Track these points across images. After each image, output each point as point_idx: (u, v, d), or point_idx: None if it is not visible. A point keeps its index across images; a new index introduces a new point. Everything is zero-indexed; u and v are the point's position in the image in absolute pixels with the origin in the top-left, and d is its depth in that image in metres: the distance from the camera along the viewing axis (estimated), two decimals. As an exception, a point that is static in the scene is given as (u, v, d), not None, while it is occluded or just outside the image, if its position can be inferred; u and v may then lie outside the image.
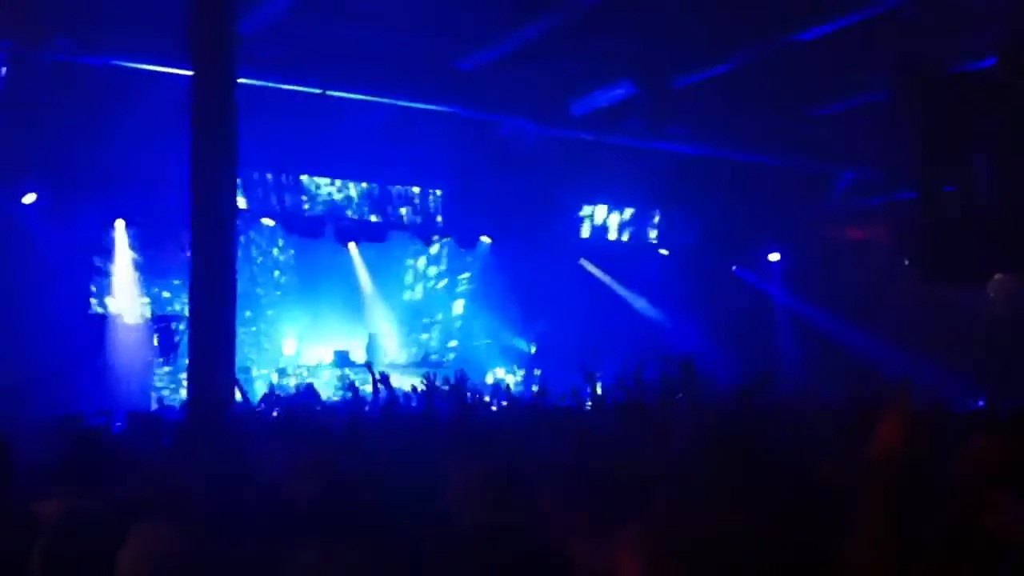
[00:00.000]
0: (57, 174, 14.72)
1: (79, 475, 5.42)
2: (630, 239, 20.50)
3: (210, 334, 8.12)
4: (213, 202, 8.13)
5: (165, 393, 15.74)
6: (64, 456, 5.65)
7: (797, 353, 19.07)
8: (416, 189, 18.22)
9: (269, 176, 16.96)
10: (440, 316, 20.52)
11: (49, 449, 6.28)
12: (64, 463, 5.59)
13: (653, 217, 20.62)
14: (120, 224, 16.46)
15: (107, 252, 16.54)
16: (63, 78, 13.15)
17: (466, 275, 20.39)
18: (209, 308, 8.16)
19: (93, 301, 16.45)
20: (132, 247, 16.55)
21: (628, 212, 20.41)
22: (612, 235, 20.35)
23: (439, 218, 18.56)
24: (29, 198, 14.85)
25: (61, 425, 7.01)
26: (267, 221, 17.27)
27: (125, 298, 16.55)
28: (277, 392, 12.42)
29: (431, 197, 18.44)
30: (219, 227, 8.16)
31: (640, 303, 20.72)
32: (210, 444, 7.24)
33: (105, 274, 16.57)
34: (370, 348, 18.52)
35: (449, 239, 18.98)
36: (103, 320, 16.31)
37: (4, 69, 12.73)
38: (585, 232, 20.17)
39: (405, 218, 18.30)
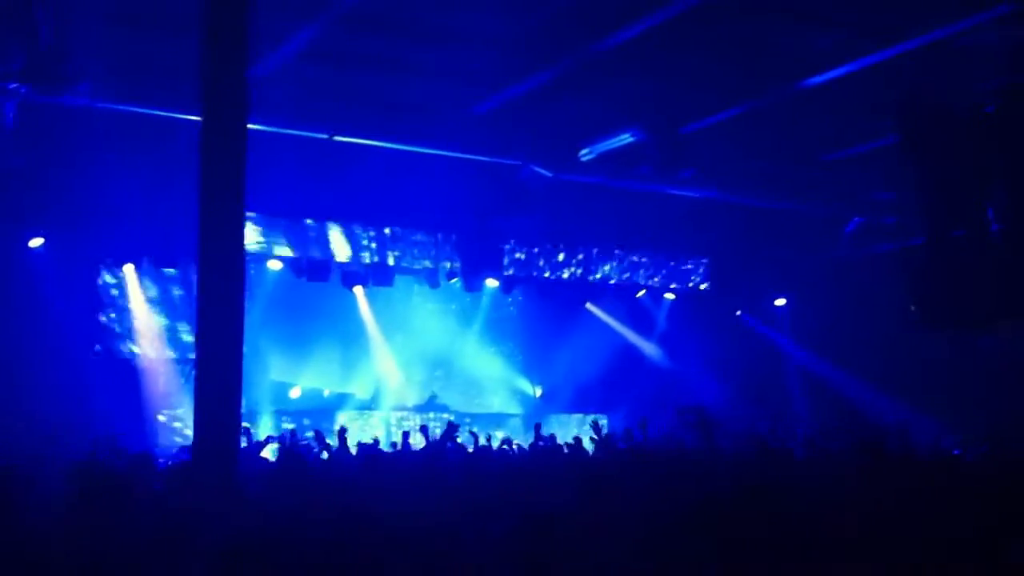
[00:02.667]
0: (65, 216, 14.77)
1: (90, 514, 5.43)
2: (637, 283, 20.47)
3: (217, 376, 8.09)
4: (220, 244, 8.13)
5: (188, 432, 15.72)
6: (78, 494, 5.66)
7: (802, 399, 19.04)
8: (418, 236, 18.23)
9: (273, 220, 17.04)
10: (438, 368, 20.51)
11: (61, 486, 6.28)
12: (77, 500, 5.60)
13: (663, 261, 20.61)
14: (129, 268, 16.55)
15: (120, 294, 16.64)
16: (71, 121, 13.23)
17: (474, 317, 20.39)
18: (216, 350, 8.13)
19: (117, 342, 16.52)
20: (151, 288, 16.65)
21: (636, 256, 20.40)
22: (616, 279, 20.32)
23: (447, 264, 18.55)
24: (35, 242, 14.91)
25: (76, 465, 6.98)
26: (274, 264, 17.27)
27: (142, 339, 16.62)
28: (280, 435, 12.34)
29: (437, 240, 18.44)
30: (227, 269, 8.16)
31: (649, 348, 20.69)
32: (215, 488, 7.23)
33: (119, 316, 16.62)
34: (376, 393, 18.58)
35: (457, 281, 18.95)
36: (115, 361, 16.33)
37: (11, 112, 12.78)
38: (595, 275, 20.13)
39: (413, 262, 18.28)
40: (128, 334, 16.76)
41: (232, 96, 8.35)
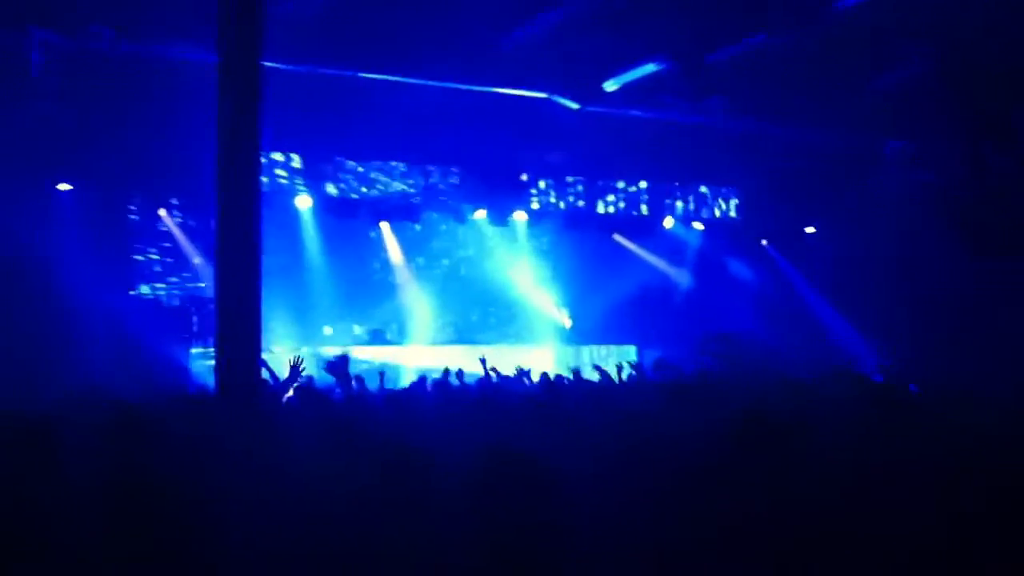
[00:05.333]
0: (94, 163, 14.88)
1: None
2: (666, 213, 20.42)
3: (237, 315, 8.20)
4: (238, 185, 8.19)
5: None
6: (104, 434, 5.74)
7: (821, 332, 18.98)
8: (445, 171, 18.22)
9: (296, 158, 17.09)
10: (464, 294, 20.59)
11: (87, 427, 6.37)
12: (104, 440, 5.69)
13: (692, 191, 20.52)
14: (163, 212, 16.76)
15: (153, 238, 16.84)
16: (95, 66, 13.27)
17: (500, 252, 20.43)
18: (235, 290, 8.24)
19: (143, 287, 16.75)
20: (182, 232, 16.84)
21: (664, 186, 20.34)
22: (646, 210, 20.27)
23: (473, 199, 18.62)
24: (63, 187, 15.06)
25: (96, 401, 7.09)
26: (303, 201, 17.35)
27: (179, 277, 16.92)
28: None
29: (464, 175, 18.42)
30: (244, 209, 8.22)
31: (680, 278, 20.67)
32: (236, 425, 7.33)
33: (153, 258, 16.86)
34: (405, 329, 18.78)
35: (485, 215, 18.99)
36: (146, 303, 16.57)
37: (36, 58, 12.85)
38: (623, 207, 20.08)
39: (439, 196, 18.31)
40: (162, 275, 16.99)
41: (247, 34, 8.34)
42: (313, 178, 17.30)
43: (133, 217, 16.71)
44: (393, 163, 17.82)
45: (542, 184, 19.21)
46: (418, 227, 19.43)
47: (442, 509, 4.11)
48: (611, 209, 19.96)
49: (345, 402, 9.47)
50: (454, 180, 18.27)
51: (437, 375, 11.01)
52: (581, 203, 19.65)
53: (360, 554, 3.94)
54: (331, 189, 17.45)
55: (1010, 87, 12.58)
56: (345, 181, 17.55)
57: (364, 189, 17.70)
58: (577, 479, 4.53)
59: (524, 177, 18.77)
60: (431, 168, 18.07)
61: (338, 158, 17.33)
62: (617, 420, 7.05)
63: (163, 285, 16.94)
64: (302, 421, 8.15)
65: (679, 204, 20.47)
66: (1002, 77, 12.30)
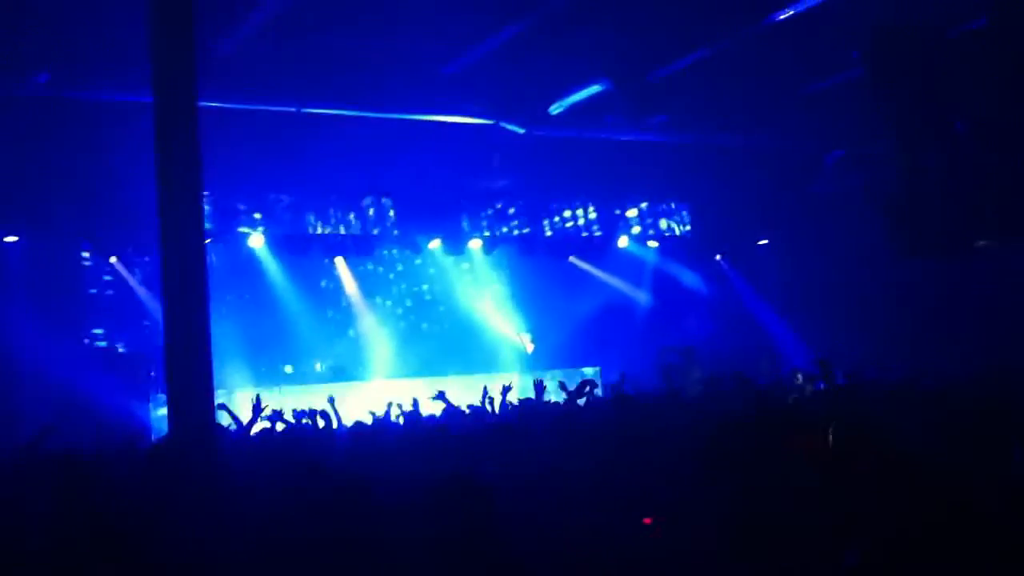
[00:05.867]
0: (43, 212, 14.71)
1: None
2: (619, 233, 20.46)
3: (187, 360, 8.08)
4: (180, 226, 8.09)
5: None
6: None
7: (782, 340, 19.13)
8: (395, 203, 18.15)
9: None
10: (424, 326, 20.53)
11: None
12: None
13: (644, 209, 20.60)
14: (115, 260, 16.60)
15: (108, 285, 16.66)
16: (37, 113, 13.14)
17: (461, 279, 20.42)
18: (184, 334, 8.12)
19: (97, 333, 16.53)
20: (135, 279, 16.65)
21: (616, 206, 20.42)
22: (598, 230, 20.31)
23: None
24: (10, 239, 14.89)
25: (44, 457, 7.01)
26: (255, 240, 17.25)
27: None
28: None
29: (414, 205, 18.40)
30: (188, 251, 8.13)
31: (637, 296, 20.72)
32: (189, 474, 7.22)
33: (106, 308, 16.66)
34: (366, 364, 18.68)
35: (439, 246, 19.00)
36: (104, 354, 16.37)
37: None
38: (577, 228, 20.12)
39: (392, 229, 18.25)
40: (117, 324, 16.81)
41: (181, 73, 8.27)
42: (264, 216, 17.20)
43: (85, 264, 16.52)
44: (341, 200, 17.75)
45: (491, 211, 19.20)
46: (370, 265, 19.37)
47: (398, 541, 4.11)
48: (567, 228, 19.99)
49: (309, 440, 9.42)
50: (404, 211, 18.20)
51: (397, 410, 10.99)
52: (527, 229, 19.65)
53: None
54: (281, 226, 17.35)
55: (942, 85, 12.76)
56: (295, 218, 17.45)
57: (316, 225, 17.62)
58: (530, 500, 4.52)
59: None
60: (382, 200, 18.00)
61: (284, 195, 17.23)
62: (576, 441, 7.04)
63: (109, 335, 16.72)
64: (261, 465, 8.08)
65: (632, 223, 20.52)
66: (933, 76, 12.46)
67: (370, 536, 4.09)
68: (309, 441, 9.10)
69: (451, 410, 10.82)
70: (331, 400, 10.50)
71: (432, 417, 10.80)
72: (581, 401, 9.50)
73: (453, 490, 3.83)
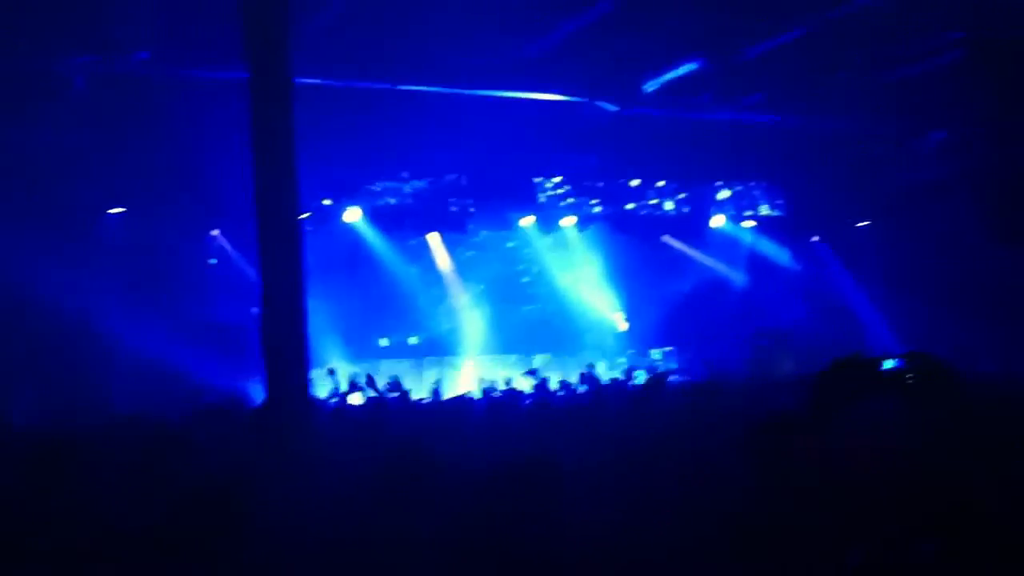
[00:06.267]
0: (142, 186, 15.04)
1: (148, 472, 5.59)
2: (714, 212, 20.29)
3: (282, 332, 8.28)
4: (276, 203, 8.27)
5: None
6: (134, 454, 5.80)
7: (880, 323, 18.71)
8: (488, 180, 18.20)
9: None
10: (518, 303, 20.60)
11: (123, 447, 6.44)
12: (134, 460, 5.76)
13: (740, 190, 20.37)
14: (216, 232, 16.95)
15: (210, 258, 17.01)
16: (137, 90, 13.46)
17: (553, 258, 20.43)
18: (280, 307, 8.31)
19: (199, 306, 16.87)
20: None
21: (711, 186, 20.22)
22: (693, 209, 20.15)
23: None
24: (115, 210, 15.28)
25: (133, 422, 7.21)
26: (351, 215, 17.46)
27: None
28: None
29: (509, 183, 18.45)
30: (284, 227, 8.31)
31: (732, 277, 20.52)
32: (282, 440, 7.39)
33: (209, 281, 16.99)
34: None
35: (534, 222, 19.04)
36: (206, 326, 16.69)
37: (81, 85, 13.07)
38: (669, 207, 19.98)
39: (487, 206, 18.34)
40: (220, 296, 17.11)
41: (275, 50, 8.43)
42: (359, 191, 17.40)
43: (183, 238, 16.85)
44: (437, 177, 17.87)
45: (585, 189, 19.18)
46: (464, 242, 19.44)
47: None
48: (661, 207, 19.87)
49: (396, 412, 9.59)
50: (496, 188, 18.25)
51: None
52: (631, 206, 19.58)
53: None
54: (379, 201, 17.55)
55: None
56: (391, 193, 17.62)
57: (410, 200, 17.78)
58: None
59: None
60: (473, 177, 18.08)
61: (380, 171, 17.41)
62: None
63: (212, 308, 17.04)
64: (350, 434, 8.24)
65: (728, 203, 20.30)
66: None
67: (432, 511, 4.15)
68: (396, 413, 9.25)
69: (541, 387, 10.92)
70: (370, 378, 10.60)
71: (518, 393, 10.89)
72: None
73: (516, 472, 3.89)
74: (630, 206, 19.56)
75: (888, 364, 3.56)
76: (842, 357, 3.46)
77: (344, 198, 17.36)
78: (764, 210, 20.40)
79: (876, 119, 16.88)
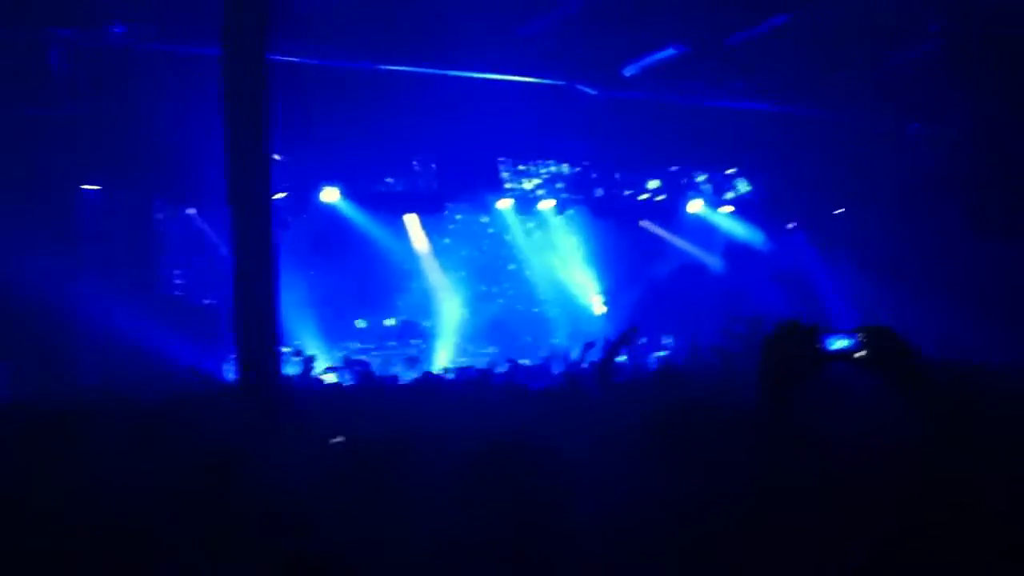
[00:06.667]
0: (118, 163, 14.92)
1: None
2: (692, 198, 20.31)
3: (254, 310, 8.23)
4: (249, 181, 8.20)
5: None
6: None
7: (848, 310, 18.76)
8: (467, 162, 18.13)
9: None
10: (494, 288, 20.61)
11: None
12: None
13: (718, 176, 20.39)
14: (192, 211, 16.85)
15: (185, 237, 16.90)
16: (114, 64, 13.34)
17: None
18: (252, 287, 8.25)
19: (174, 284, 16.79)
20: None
21: (689, 171, 20.23)
22: (670, 195, 20.15)
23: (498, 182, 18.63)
24: (90, 187, 15.16)
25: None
26: (329, 195, 17.37)
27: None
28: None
29: (486, 164, 18.40)
30: (256, 204, 8.24)
31: (710, 262, 20.56)
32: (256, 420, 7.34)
33: (183, 260, 16.91)
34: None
35: (511, 205, 19.01)
36: (174, 303, 16.63)
37: (56, 58, 12.95)
38: (649, 192, 19.99)
39: (463, 188, 18.29)
40: (195, 275, 17.06)
41: (251, 25, 8.33)
42: (336, 172, 17.30)
43: (159, 216, 16.75)
44: (414, 157, 17.79)
45: (565, 170, 19.16)
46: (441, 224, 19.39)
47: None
48: (639, 191, 19.88)
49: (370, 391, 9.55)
50: (474, 170, 18.19)
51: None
52: (608, 191, 19.59)
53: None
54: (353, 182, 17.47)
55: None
56: (367, 174, 17.54)
57: (387, 181, 17.71)
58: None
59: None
60: (450, 159, 18.02)
61: (356, 151, 17.29)
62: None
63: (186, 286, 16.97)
64: (322, 415, 8.20)
65: (705, 188, 20.32)
66: (1013, 55, 12.08)
67: (405, 496, 4.14)
68: (370, 392, 9.23)
69: (515, 368, 10.91)
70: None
71: (494, 374, 10.87)
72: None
73: (497, 456, 3.84)
74: (602, 192, 19.56)
75: (838, 343, 3.47)
76: (782, 330, 3.36)
77: (321, 179, 17.25)
78: (742, 194, 20.41)
79: (860, 109, 16.89)
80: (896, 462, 3.74)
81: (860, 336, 3.52)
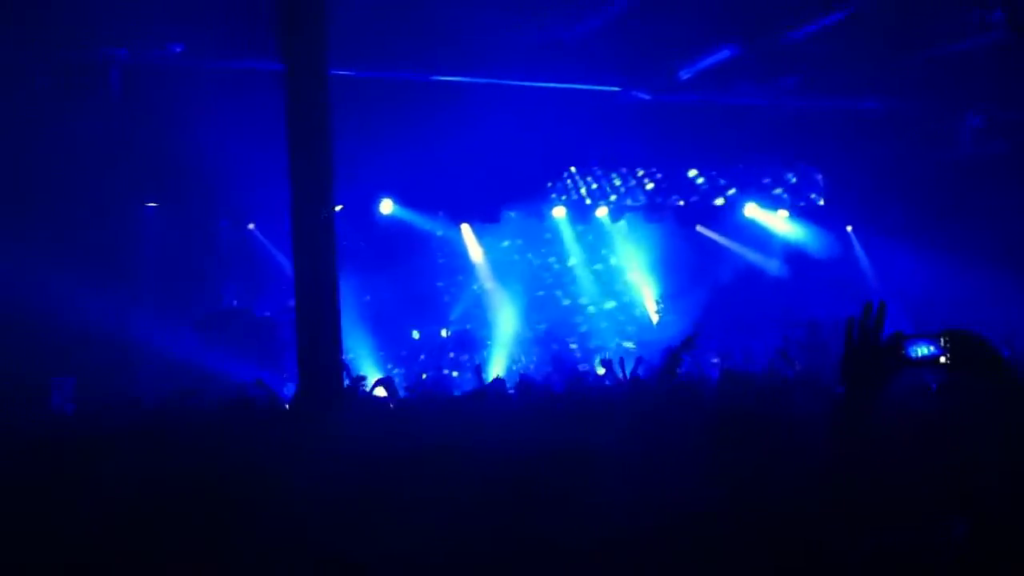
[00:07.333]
0: (181, 180, 15.08)
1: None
2: (747, 201, 20.12)
3: (316, 326, 8.28)
4: (311, 195, 8.26)
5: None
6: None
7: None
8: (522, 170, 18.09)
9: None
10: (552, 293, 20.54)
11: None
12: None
13: (775, 176, 20.18)
14: (252, 226, 17.01)
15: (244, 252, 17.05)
16: (173, 84, 13.49)
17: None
18: (314, 300, 8.31)
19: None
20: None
21: (743, 173, 20.04)
22: (725, 199, 19.99)
23: (553, 195, 18.58)
24: (150, 204, 15.36)
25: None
26: (385, 206, 17.45)
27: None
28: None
29: (542, 172, 18.38)
30: (318, 220, 8.30)
31: (768, 266, 20.34)
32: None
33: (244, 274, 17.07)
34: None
35: (565, 213, 18.99)
36: (239, 316, 16.76)
37: (117, 79, 13.12)
38: (705, 196, 19.85)
39: (520, 196, 18.29)
40: (256, 290, 17.19)
41: (311, 41, 8.40)
42: (393, 182, 17.35)
43: (221, 232, 16.90)
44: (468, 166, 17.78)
45: (616, 179, 19.08)
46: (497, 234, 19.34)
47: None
48: (695, 195, 19.75)
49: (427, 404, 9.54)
50: (528, 178, 18.16)
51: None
52: (663, 196, 19.49)
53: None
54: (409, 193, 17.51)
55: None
56: (425, 185, 17.57)
57: (443, 191, 17.74)
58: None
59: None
60: (505, 168, 18.00)
61: (413, 162, 17.34)
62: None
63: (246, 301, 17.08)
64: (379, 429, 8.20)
65: (762, 191, 20.13)
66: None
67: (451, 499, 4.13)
68: (427, 406, 9.22)
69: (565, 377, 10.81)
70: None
71: (544, 383, 10.80)
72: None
73: (542, 463, 3.83)
74: (658, 198, 19.46)
75: (922, 350, 3.44)
76: (864, 339, 3.34)
77: (378, 190, 17.33)
78: (802, 197, 20.19)
79: (915, 101, 16.65)
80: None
81: (943, 340, 3.47)
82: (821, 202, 20.19)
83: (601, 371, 10.65)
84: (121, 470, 4.77)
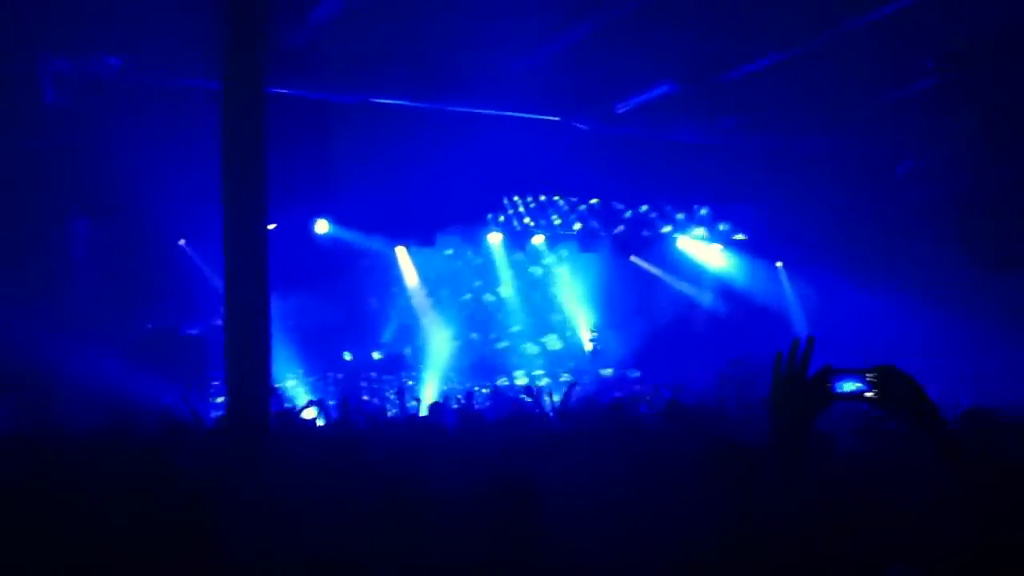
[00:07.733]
0: (114, 195, 14.85)
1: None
2: (682, 233, 20.34)
3: (245, 346, 8.18)
4: (243, 213, 8.18)
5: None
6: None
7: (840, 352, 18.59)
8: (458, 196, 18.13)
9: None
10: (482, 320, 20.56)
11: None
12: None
13: (708, 211, 20.44)
14: (183, 242, 16.78)
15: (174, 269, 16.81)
16: (106, 95, 13.33)
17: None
18: (244, 320, 8.21)
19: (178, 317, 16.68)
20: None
21: (680, 207, 20.28)
22: (660, 230, 20.19)
23: (488, 216, 18.67)
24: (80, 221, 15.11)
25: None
26: (321, 226, 17.36)
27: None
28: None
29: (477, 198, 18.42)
30: (250, 238, 8.21)
31: (701, 298, 20.53)
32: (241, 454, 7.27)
33: (172, 291, 16.81)
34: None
35: (502, 239, 19.04)
36: (164, 335, 16.51)
37: (50, 88, 12.93)
38: (639, 228, 20.03)
39: (454, 221, 18.32)
40: (184, 307, 16.94)
41: (249, 60, 8.35)
42: (328, 203, 17.28)
43: (152, 248, 16.64)
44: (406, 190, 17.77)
45: (553, 208, 19.20)
46: (431, 257, 19.34)
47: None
48: (630, 227, 19.91)
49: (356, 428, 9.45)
50: (463, 204, 18.19)
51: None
52: (600, 226, 19.63)
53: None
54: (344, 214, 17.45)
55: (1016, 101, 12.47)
56: (358, 207, 17.51)
57: (378, 214, 17.69)
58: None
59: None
60: (442, 193, 18.01)
61: (348, 184, 17.28)
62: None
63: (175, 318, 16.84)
64: (310, 451, 8.12)
65: (696, 225, 20.37)
66: (1012, 87, 12.15)
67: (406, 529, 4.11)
68: (355, 429, 9.14)
69: (503, 403, 10.82)
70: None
71: (484, 411, 10.79)
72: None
73: (495, 492, 3.83)
74: (594, 226, 19.60)
75: (849, 385, 3.48)
76: (792, 374, 3.38)
77: (312, 210, 17.23)
78: (734, 232, 20.46)
79: (848, 144, 16.98)
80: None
81: (869, 376, 3.52)
82: (744, 237, 20.45)
83: (527, 399, 10.63)
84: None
